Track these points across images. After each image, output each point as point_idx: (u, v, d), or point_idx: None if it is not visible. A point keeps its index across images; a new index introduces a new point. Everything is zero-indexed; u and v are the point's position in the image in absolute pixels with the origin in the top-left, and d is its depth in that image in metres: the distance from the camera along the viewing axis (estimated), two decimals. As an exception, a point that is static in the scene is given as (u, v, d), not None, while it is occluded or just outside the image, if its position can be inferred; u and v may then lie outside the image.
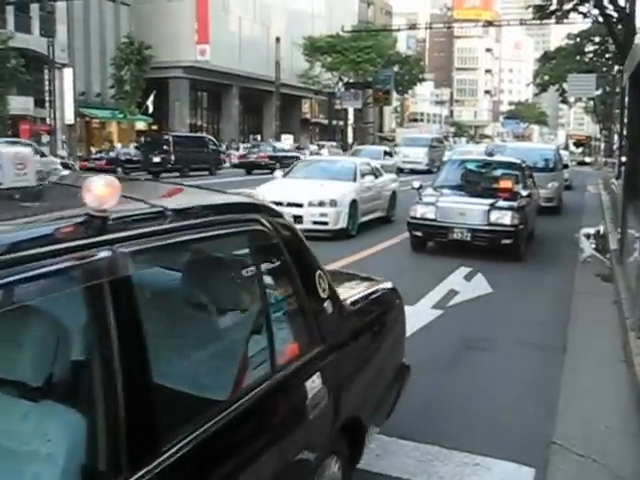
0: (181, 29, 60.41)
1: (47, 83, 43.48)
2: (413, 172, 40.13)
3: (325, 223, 14.77)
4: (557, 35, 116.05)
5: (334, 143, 60.02)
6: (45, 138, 40.95)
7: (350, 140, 73.69)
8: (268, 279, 3.05)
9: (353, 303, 3.85)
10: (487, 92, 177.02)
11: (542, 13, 38.04)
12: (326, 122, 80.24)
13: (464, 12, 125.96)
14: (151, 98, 53.01)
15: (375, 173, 17.86)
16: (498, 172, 15.31)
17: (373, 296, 4.31)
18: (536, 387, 6.53)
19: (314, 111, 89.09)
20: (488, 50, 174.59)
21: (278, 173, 17.91)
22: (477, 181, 15.01)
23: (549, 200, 20.48)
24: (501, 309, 9.64)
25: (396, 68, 77.60)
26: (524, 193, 13.82)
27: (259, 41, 69.66)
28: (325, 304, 3.31)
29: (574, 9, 36.65)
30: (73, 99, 48.59)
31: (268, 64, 63.28)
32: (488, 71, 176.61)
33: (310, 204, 14.75)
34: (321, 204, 14.79)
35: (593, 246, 15.11)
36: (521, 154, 18.12)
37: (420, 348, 6.93)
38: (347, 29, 67.15)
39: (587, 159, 79.90)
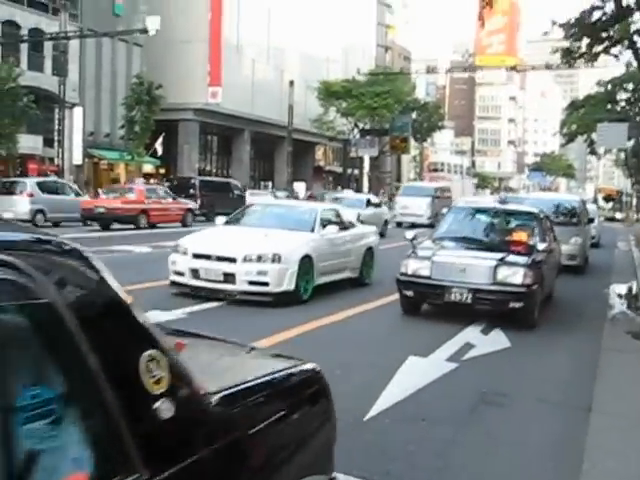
0: (193, 71, 62.43)
1: (57, 122, 45.30)
2: (414, 226, 36.27)
3: (264, 284, 12.33)
4: (586, 82, 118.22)
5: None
6: (52, 178, 42.89)
7: (365, 190, 74.37)
8: (23, 362, 1.92)
9: (230, 399, 2.60)
10: (511, 142, 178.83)
11: (570, 57, 38.14)
12: (340, 170, 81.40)
13: (487, 59, 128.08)
14: (160, 140, 54.81)
15: (343, 223, 15.48)
16: (511, 223, 14.08)
17: (275, 385, 3.06)
18: (557, 447, 6.32)
19: (328, 158, 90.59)
20: (512, 98, 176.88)
21: (220, 219, 15.38)
22: (485, 233, 13.49)
23: (572, 258, 19.38)
24: (520, 364, 9.53)
25: (414, 115, 79.42)
26: (541, 247, 12.40)
27: (272, 84, 71.33)
28: (158, 404, 2.15)
29: (605, 51, 36.98)
30: (82, 139, 50.52)
31: (281, 108, 64.44)
32: (512, 120, 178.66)
33: (246, 259, 12.32)
34: (260, 259, 12.36)
35: (624, 303, 14.72)
36: (541, 205, 17.11)
37: (433, 401, 7.27)
38: (360, 77, 68.81)
39: (618, 215, 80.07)
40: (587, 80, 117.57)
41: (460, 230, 13.55)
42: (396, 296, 12.67)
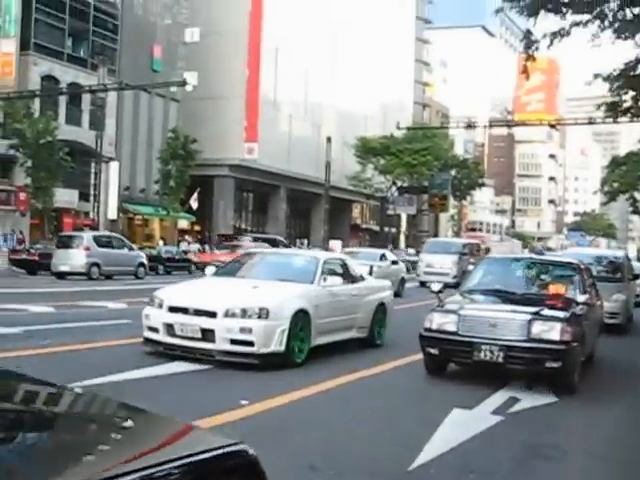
0: (230, 127, 62.98)
1: (93, 176, 45.74)
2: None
3: (249, 343, 10.55)
4: (628, 140, 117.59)
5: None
6: (107, 233, 43.03)
7: (402, 248, 73.95)
8: None
9: None
10: (551, 201, 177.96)
11: (615, 111, 37.22)
12: (377, 228, 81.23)
13: (526, 116, 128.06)
14: (195, 196, 55.16)
15: (351, 275, 13.79)
16: (548, 274, 13.12)
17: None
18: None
19: (365, 216, 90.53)
20: (552, 156, 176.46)
21: (210, 269, 14.15)
22: (519, 285, 12.42)
23: (613, 316, 18.06)
24: (568, 418, 9.26)
25: (453, 172, 79.26)
26: (581, 300, 11.37)
27: (309, 141, 71.74)
28: None
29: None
30: (117, 194, 50.86)
31: (318, 165, 64.43)
32: (552, 179, 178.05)
33: (227, 314, 10.63)
34: (245, 314, 10.62)
35: None
36: (581, 259, 15.75)
37: (480, 453, 7.08)
38: (401, 132, 68.69)
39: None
40: (629, 138, 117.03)
41: (492, 282, 12.48)
42: (416, 357, 11.63)
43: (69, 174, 44.37)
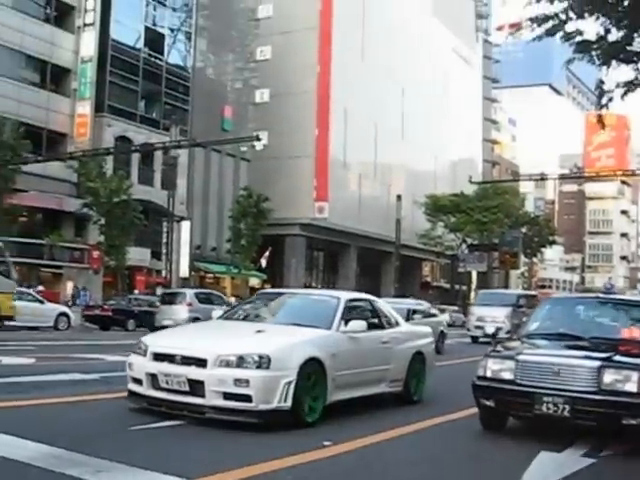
0: (299, 186, 63.01)
1: (165, 235, 45.73)
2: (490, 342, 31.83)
3: (246, 398, 8.34)
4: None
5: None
6: (160, 290, 42.65)
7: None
8: None
9: None
10: (623, 258, 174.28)
11: None
12: (447, 286, 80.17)
13: (596, 170, 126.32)
14: (266, 254, 54.80)
15: (380, 319, 11.52)
16: (620, 316, 10.83)
17: None
18: None
19: (435, 274, 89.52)
20: (624, 212, 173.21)
21: (216, 313, 12.73)
22: (587, 328, 10.39)
23: None
24: None
25: (524, 230, 77.83)
26: None
27: (379, 199, 71.53)
28: None
29: None
30: (189, 252, 50.73)
31: (388, 223, 63.83)
32: (624, 235, 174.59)
33: (220, 362, 8.48)
34: (241, 363, 8.45)
35: None
36: None
37: None
38: (471, 189, 67.97)
39: None
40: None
41: (554, 325, 10.46)
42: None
43: (141, 233, 44.48)
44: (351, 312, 10.50)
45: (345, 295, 11.19)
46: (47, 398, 9.15)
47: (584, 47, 22.91)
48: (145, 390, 8.91)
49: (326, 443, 7.70)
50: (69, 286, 44.12)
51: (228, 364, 8.41)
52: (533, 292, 51.73)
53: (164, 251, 45.43)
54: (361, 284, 74.26)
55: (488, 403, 8.88)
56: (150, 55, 52.23)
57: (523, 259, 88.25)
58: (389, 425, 9.08)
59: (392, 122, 74.11)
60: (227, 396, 8.32)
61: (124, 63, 49.91)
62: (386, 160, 73.92)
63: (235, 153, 58.58)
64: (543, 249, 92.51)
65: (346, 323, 10.00)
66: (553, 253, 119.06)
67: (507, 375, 8.67)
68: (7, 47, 43.72)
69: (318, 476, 6.60)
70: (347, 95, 65.86)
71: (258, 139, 40.14)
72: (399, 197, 57.70)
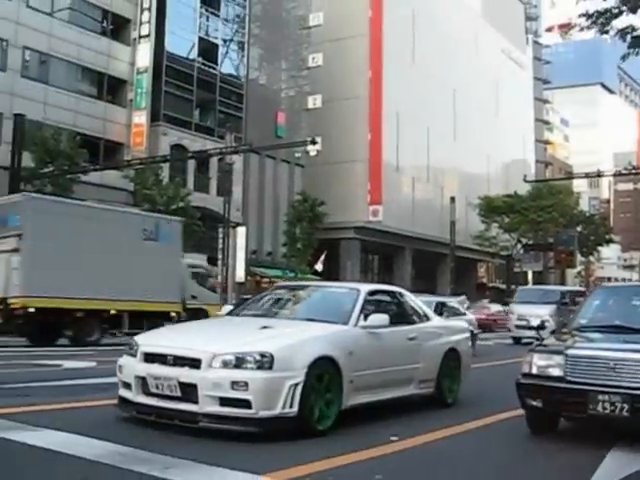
0: (353, 190, 62.73)
1: (221, 241, 45.73)
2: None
3: (244, 403, 7.13)
4: None
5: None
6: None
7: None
8: None
9: None
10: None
11: None
12: (504, 287, 79.08)
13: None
14: (322, 258, 54.45)
15: (407, 313, 10.24)
16: None
17: None
18: None
19: (491, 275, 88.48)
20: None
21: (225, 308, 10.94)
22: None
23: None
24: None
25: (579, 229, 76.47)
26: None
27: (433, 202, 71.07)
28: None
29: None
30: (245, 257, 50.64)
31: (442, 225, 63.84)
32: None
33: (215, 362, 7.30)
34: (240, 363, 7.26)
35: None
36: None
37: None
38: (524, 190, 67.07)
39: None
40: None
41: (609, 317, 9.25)
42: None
43: (198, 239, 44.47)
44: (373, 306, 9.30)
45: (366, 287, 9.88)
46: (109, 399, 8.65)
47: (638, 42, 22.18)
48: (134, 396, 7.76)
49: (393, 438, 7.29)
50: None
51: (225, 364, 7.25)
52: (580, 288, 48.15)
53: (220, 256, 45.40)
54: (417, 286, 73.60)
55: (535, 403, 7.80)
56: (204, 65, 52.36)
57: (579, 258, 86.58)
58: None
59: (444, 125, 73.58)
60: (224, 402, 7.14)
61: (179, 73, 50.17)
62: (439, 163, 73.24)
63: (289, 159, 58.52)
64: (600, 248, 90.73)
65: (366, 318, 8.80)
66: (610, 252, 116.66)
67: (556, 372, 7.67)
68: (65, 60, 44.29)
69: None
70: (399, 99, 65.41)
71: (314, 142, 39.73)
72: (453, 199, 57.07)
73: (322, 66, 64.29)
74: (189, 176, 49.50)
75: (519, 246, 71.66)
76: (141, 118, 47.27)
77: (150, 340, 8.22)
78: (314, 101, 64.02)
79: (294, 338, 7.92)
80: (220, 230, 46.04)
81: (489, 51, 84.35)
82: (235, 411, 7.12)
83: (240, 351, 7.33)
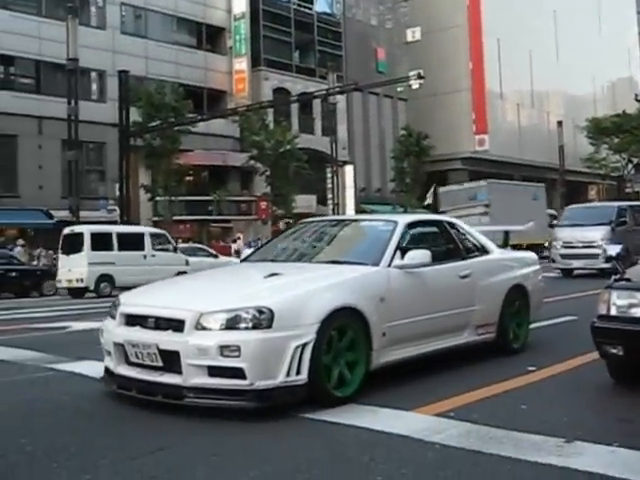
0: (458, 120, 60.42)
1: (329, 181, 44.48)
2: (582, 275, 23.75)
3: (237, 372, 5.40)
4: None
5: None
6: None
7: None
8: None
9: None
10: None
11: None
12: (616, 208, 75.41)
13: None
14: (432, 190, 52.50)
15: (457, 246, 8.07)
16: None
17: None
18: None
19: (602, 197, 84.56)
20: None
21: (245, 252, 8.81)
22: None
23: None
24: None
25: (694, 144, 71.76)
26: None
27: (539, 127, 68.20)
28: None
29: None
30: (354, 195, 49.64)
31: (550, 150, 61.21)
32: None
33: (201, 323, 5.57)
34: (232, 322, 5.50)
35: None
36: None
37: None
38: (633, 109, 63.06)
39: None
40: None
41: None
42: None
43: (306, 180, 43.23)
44: (414, 240, 7.38)
45: (405, 218, 7.81)
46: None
47: None
48: (114, 366, 6.10)
49: (530, 368, 6.85)
50: (238, 238, 42.76)
51: (214, 324, 5.51)
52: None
53: (329, 196, 44.18)
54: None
55: (614, 351, 6.01)
56: (300, 5, 50.76)
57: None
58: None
59: (546, 48, 69.54)
60: (213, 371, 5.43)
61: (275, 16, 48.71)
62: (543, 87, 69.65)
63: (392, 94, 56.43)
64: None
65: (402, 256, 6.81)
66: None
67: None
68: (161, 12, 43.42)
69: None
70: (499, 25, 61.84)
71: (421, 77, 37.30)
72: (560, 123, 54.39)
73: (418, -2, 61.44)
74: (293, 118, 48.26)
75: (630, 166, 67.83)
76: (242, 64, 46.14)
77: (133, 299, 6.48)
78: (413, 34, 61.46)
79: (304, 287, 6.05)
80: (328, 170, 44.84)
81: (589, -32, 79.23)
82: (226, 382, 5.42)
83: (232, 307, 5.57)
